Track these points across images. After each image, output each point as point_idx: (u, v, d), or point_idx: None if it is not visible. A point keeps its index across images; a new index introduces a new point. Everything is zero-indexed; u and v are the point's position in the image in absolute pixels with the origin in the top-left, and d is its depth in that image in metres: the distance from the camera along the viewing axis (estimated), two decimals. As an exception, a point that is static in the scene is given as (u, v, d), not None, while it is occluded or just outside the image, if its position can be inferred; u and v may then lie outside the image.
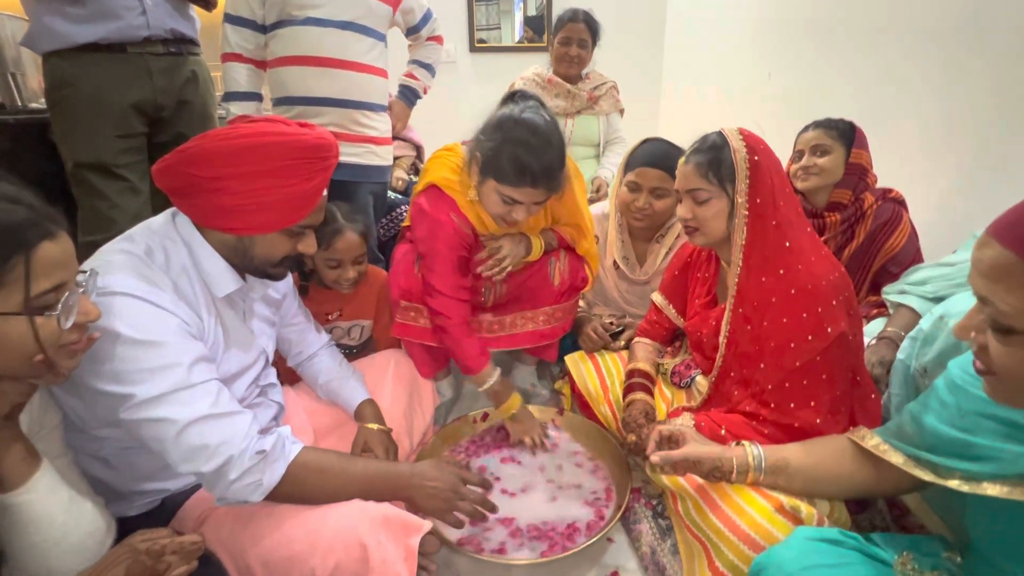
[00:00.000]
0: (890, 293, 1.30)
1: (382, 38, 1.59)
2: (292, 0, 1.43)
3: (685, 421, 1.04)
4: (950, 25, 1.55)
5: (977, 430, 0.64)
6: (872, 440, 0.78)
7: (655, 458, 0.87)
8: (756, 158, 0.96)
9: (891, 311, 1.29)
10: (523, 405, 1.31)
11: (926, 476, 0.69)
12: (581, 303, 1.57)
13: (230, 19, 1.49)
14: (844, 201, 1.39)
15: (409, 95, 1.82)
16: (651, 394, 1.22)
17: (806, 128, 1.45)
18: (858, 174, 1.38)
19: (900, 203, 1.40)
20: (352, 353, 1.45)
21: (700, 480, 0.93)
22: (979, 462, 0.63)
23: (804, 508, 0.83)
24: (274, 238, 0.86)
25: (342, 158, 1.53)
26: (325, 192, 0.89)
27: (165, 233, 0.85)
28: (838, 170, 1.38)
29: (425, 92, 1.85)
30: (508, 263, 1.27)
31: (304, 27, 1.44)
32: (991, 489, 0.61)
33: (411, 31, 1.71)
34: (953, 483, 0.65)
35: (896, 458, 0.74)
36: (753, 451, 0.86)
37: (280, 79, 1.51)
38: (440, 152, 1.32)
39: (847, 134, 1.39)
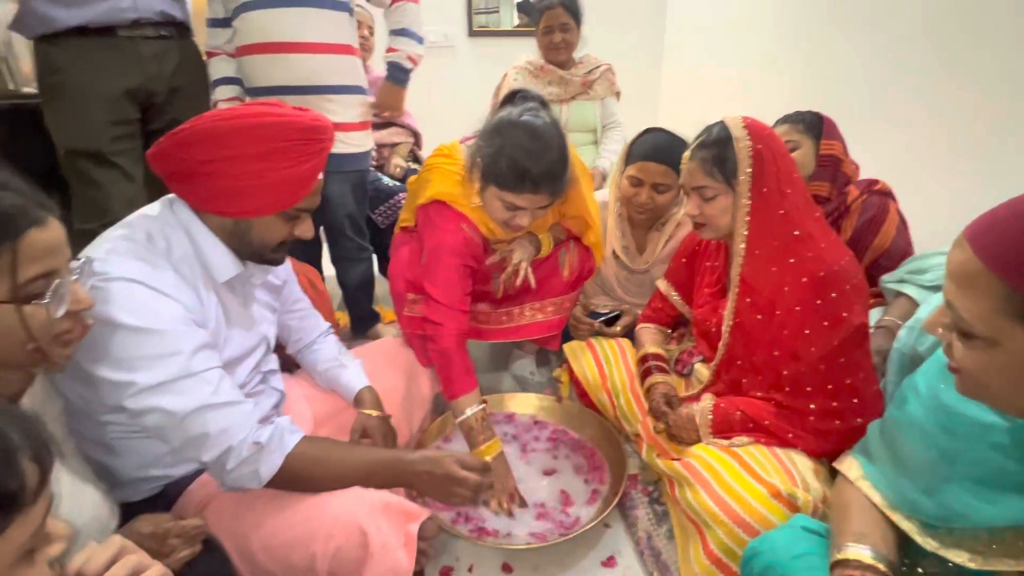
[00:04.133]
0: (888, 282, 1.29)
1: (343, 7, 1.46)
2: None
3: (705, 403, 1.05)
4: (958, 11, 1.53)
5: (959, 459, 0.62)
6: (854, 472, 0.76)
7: None
8: (759, 147, 0.96)
9: (889, 300, 1.29)
10: (501, 454, 1.13)
11: (901, 524, 0.67)
12: None
13: (208, 23, 1.50)
14: (824, 194, 1.36)
15: (396, 73, 1.62)
16: (668, 373, 1.22)
17: (774, 124, 1.43)
18: (832, 165, 1.35)
19: (887, 195, 1.37)
20: None
21: (696, 465, 0.94)
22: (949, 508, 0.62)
23: (800, 494, 0.85)
24: (271, 222, 0.85)
25: None
26: (321, 176, 0.88)
27: (164, 219, 0.84)
28: (809, 164, 1.36)
29: (413, 62, 1.62)
30: (524, 267, 1.24)
31: (252, 13, 1.39)
32: (955, 556, 0.61)
33: None
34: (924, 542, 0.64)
35: (875, 497, 0.71)
36: None
37: (242, 70, 1.49)
38: (439, 160, 1.27)
39: (815, 126, 1.36)
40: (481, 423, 1.15)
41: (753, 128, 0.97)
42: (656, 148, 1.33)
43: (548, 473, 1.21)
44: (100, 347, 0.73)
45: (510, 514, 1.09)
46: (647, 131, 1.38)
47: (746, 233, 0.98)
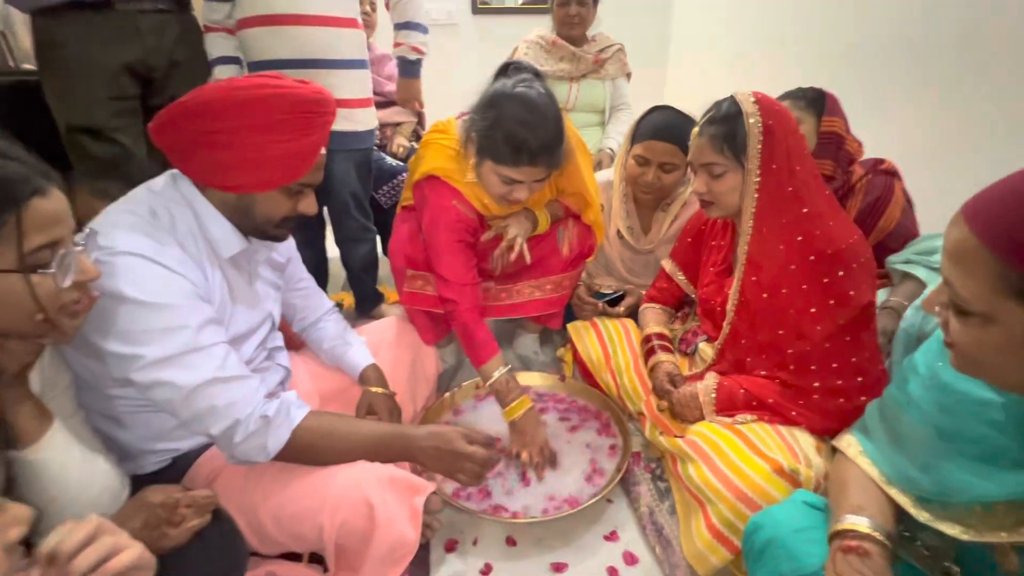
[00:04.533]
0: (895, 263, 1.28)
1: None
2: None
3: (709, 382, 1.06)
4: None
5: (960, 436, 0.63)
6: (853, 449, 0.77)
7: None
8: (770, 123, 0.94)
9: (895, 281, 1.28)
10: (532, 409, 1.17)
11: (897, 498, 0.69)
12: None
13: None
14: (827, 172, 1.34)
15: (405, 67, 1.67)
16: (672, 353, 1.22)
17: None
18: (835, 143, 1.32)
19: (892, 174, 1.34)
20: None
21: (699, 442, 0.95)
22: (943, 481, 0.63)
23: (803, 470, 0.85)
24: (274, 196, 0.85)
25: None
26: (324, 151, 0.87)
27: (167, 194, 0.84)
28: (811, 140, 1.33)
29: (419, 52, 1.65)
30: (520, 243, 1.24)
31: None
32: (948, 528, 0.62)
33: None
34: (917, 513, 0.65)
35: (873, 472, 0.73)
36: None
37: (243, 44, 1.46)
38: (433, 136, 1.26)
39: (817, 102, 1.33)
40: (508, 384, 1.18)
41: (764, 103, 0.95)
42: (663, 127, 1.30)
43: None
44: (107, 321, 0.73)
45: (541, 469, 1.13)
46: (654, 109, 1.35)
47: (754, 210, 0.97)
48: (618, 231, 1.49)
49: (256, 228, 0.88)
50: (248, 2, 1.40)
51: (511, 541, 1.07)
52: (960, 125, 1.56)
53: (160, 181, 0.86)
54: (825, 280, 0.92)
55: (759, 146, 0.94)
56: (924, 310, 0.60)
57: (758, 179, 0.95)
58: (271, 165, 0.81)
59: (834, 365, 0.94)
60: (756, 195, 0.96)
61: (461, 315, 1.22)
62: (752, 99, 0.96)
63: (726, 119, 0.97)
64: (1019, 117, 1.40)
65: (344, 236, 1.73)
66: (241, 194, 0.84)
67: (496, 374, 1.18)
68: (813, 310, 0.94)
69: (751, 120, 0.94)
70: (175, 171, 0.86)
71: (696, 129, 1.02)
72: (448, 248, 1.21)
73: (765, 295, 0.99)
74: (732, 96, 0.98)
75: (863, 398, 0.91)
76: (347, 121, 1.51)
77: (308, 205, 0.89)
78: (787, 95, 1.38)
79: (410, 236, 1.32)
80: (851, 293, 0.91)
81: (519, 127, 1.05)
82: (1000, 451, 0.60)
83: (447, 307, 1.24)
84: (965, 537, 0.61)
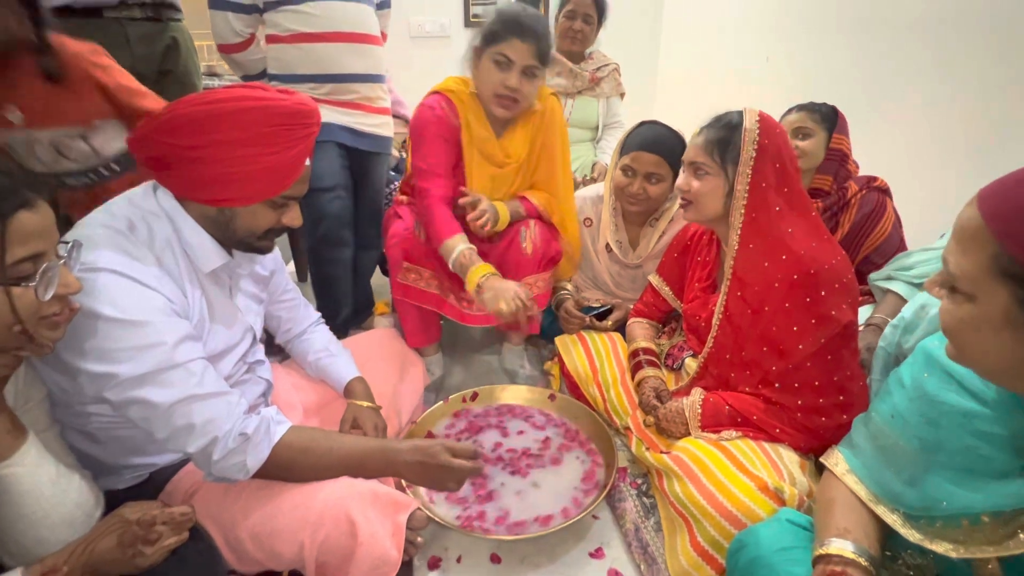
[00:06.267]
0: (876, 279, 1.31)
1: (372, 3, 1.58)
2: None
3: (695, 398, 1.06)
4: (953, 10, 1.54)
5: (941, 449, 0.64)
6: (840, 467, 0.77)
7: None
8: (765, 142, 0.97)
9: (877, 298, 1.31)
10: (493, 273, 1.21)
11: (885, 517, 0.69)
12: (568, 286, 1.57)
13: (220, 4, 1.40)
14: (826, 188, 1.39)
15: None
16: (659, 367, 1.23)
17: (789, 111, 1.45)
18: (838, 160, 1.38)
19: (884, 192, 1.40)
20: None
21: (685, 458, 0.95)
22: (926, 495, 0.64)
23: (787, 488, 0.86)
24: (256, 210, 0.83)
25: (369, 129, 1.56)
26: (308, 162, 0.86)
27: (147, 206, 0.82)
28: (820, 154, 1.39)
29: None
30: (487, 215, 1.31)
31: (331, 1, 1.41)
32: (937, 546, 0.62)
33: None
34: (905, 531, 0.66)
35: (860, 491, 0.73)
36: None
37: (307, 56, 1.45)
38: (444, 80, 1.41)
39: (830, 118, 1.39)
40: (470, 258, 1.25)
41: (766, 123, 0.98)
42: (650, 139, 1.33)
43: (537, 462, 1.21)
44: (80, 339, 0.71)
45: (525, 306, 1.15)
46: (643, 123, 1.38)
47: (740, 227, 0.99)
48: (607, 245, 1.50)
49: (238, 241, 0.87)
50: (323, 17, 1.42)
51: (495, 558, 1.06)
52: (946, 144, 1.60)
53: (140, 191, 0.85)
54: (807, 299, 0.94)
55: (751, 162, 0.96)
56: (927, 289, 0.61)
57: (746, 196, 0.97)
58: (253, 180, 0.79)
59: (816, 383, 0.95)
60: (743, 211, 0.98)
61: (428, 200, 1.30)
62: (756, 117, 0.99)
63: (726, 127, 1.00)
64: (1004, 135, 1.44)
65: (361, 243, 1.75)
66: (222, 207, 0.82)
67: (456, 251, 1.24)
68: (795, 328, 0.95)
69: (749, 136, 0.97)
70: (155, 182, 0.85)
71: (696, 129, 1.05)
72: (430, 139, 1.32)
73: (749, 311, 1.01)
74: (742, 110, 1.01)
75: (844, 417, 0.92)
76: (386, 127, 1.66)
77: (293, 217, 0.88)
78: (802, 107, 1.42)
79: (405, 232, 1.37)
80: (832, 313, 0.93)
81: (514, 11, 1.26)
82: (985, 462, 0.61)
83: (420, 195, 1.33)
84: (954, 555, 0.61)
